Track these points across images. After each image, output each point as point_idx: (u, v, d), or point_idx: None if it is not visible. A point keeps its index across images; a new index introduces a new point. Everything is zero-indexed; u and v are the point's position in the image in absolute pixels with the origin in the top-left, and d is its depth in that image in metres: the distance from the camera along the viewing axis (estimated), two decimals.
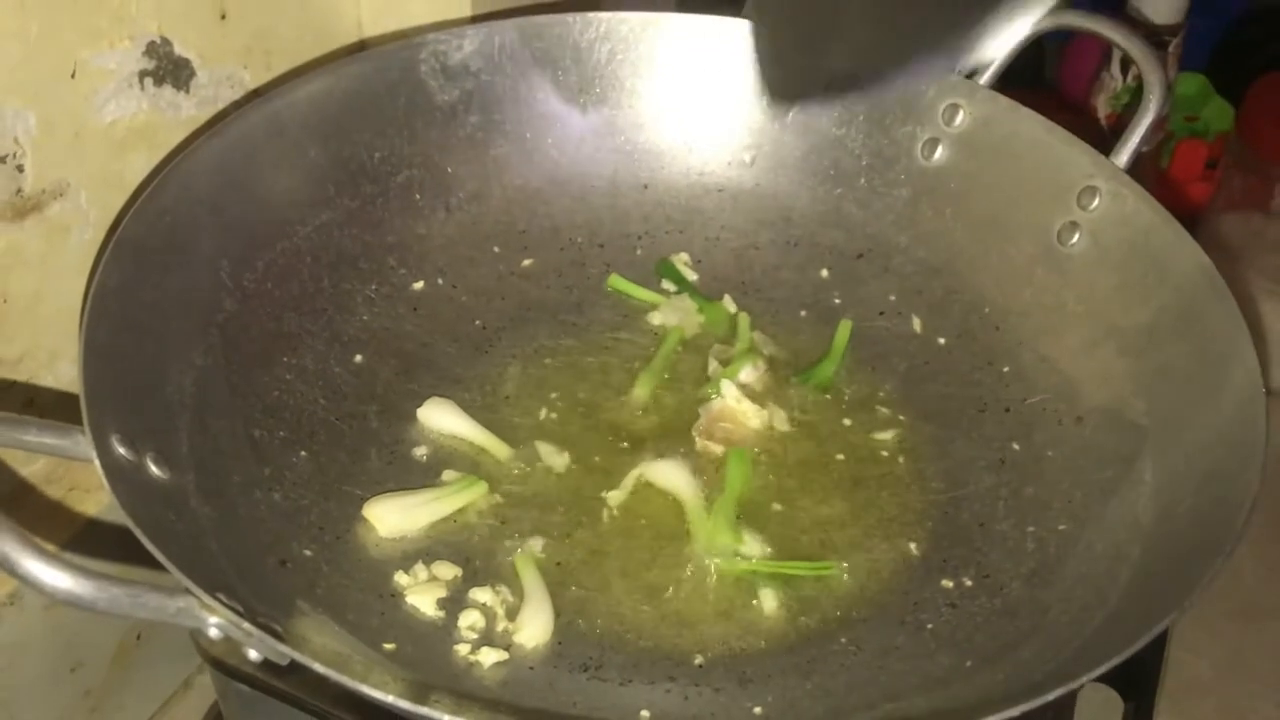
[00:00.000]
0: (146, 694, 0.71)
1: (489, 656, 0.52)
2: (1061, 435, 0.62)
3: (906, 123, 0.71)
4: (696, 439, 0.63)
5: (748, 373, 0.65)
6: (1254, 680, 0.77)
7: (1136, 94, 0.67)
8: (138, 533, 0.45)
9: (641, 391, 0.65)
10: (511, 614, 0.55)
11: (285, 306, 0.64)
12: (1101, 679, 0.47)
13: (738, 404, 0.63)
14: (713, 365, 0.66)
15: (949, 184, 0.71)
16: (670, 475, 0.60)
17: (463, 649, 0.53)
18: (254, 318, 0.63)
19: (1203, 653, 0.78)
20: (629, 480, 0.61)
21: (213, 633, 0.45)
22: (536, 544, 0.58)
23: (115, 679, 0.68)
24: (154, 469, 0.51)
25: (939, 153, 0.71)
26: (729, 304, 0.70)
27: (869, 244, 0.72)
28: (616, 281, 0.71)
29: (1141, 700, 0.59)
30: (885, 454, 0.63)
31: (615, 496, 0.60)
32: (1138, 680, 0.59)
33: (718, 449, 0.62)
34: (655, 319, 0.70)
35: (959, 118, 0.70)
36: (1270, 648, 0.78)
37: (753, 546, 0.58)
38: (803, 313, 0.70)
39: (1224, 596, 0.79)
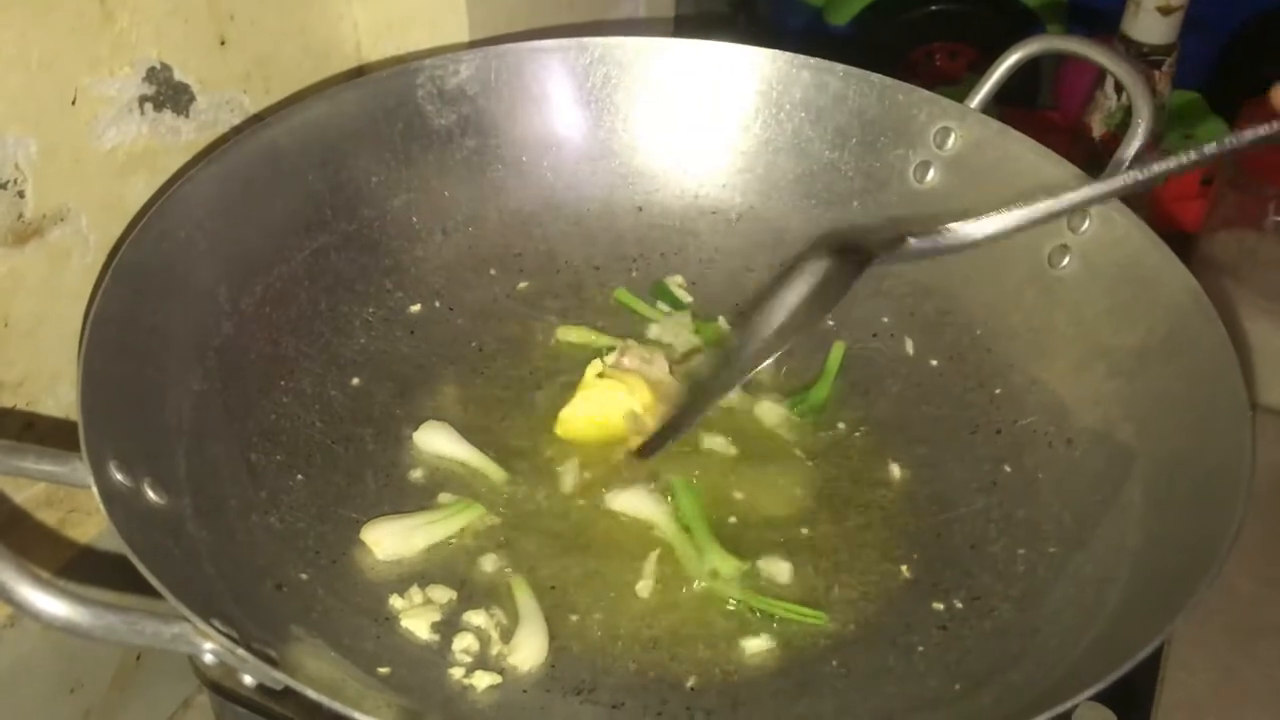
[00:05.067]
0: (146, 714, 0.71)
1: (483, 680, 0.53)
2: (1052, 457, 0.63)
3: (898, 146, 0.72)
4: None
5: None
6: (1250, 698, 0.77)
7: (1130, 113, 0.67)
8: (134, 558, 0.45)
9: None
10: (505, 637, 0.55)
11: (283, 330, 0.65)
12: (1097, 697, 0.47)
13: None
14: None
15: (940, 206, 0.71)
16: (637, 505, 0.61)
17: (457, 672, 0.53)
18: (251, 342, 0.63)
19: (1198, 670, 0.78)
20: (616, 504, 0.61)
21: (208, 658, 0.45)
22: (532, 567, 0.58)
23: (115, 700, 0.68)
24: (151, 494, 0.51)
25: (931, 175, 0.72)
26: (723, 325, 0.71)
27: None
28: (623, 295, 0.72)
29: (1138, 718, 0.59)
30: (877, 476, 0.64)
31: (611, 520, 0.60)
32: (1134, 698, 0.59)
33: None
34: (651, 335, 0.70)
35: (950, 141, 0.71)
36: (1266, 665, 0.78)
37: (745, 569, 0.58)
38: None
39: (1220, 613, 0.79)
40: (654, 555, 0.59)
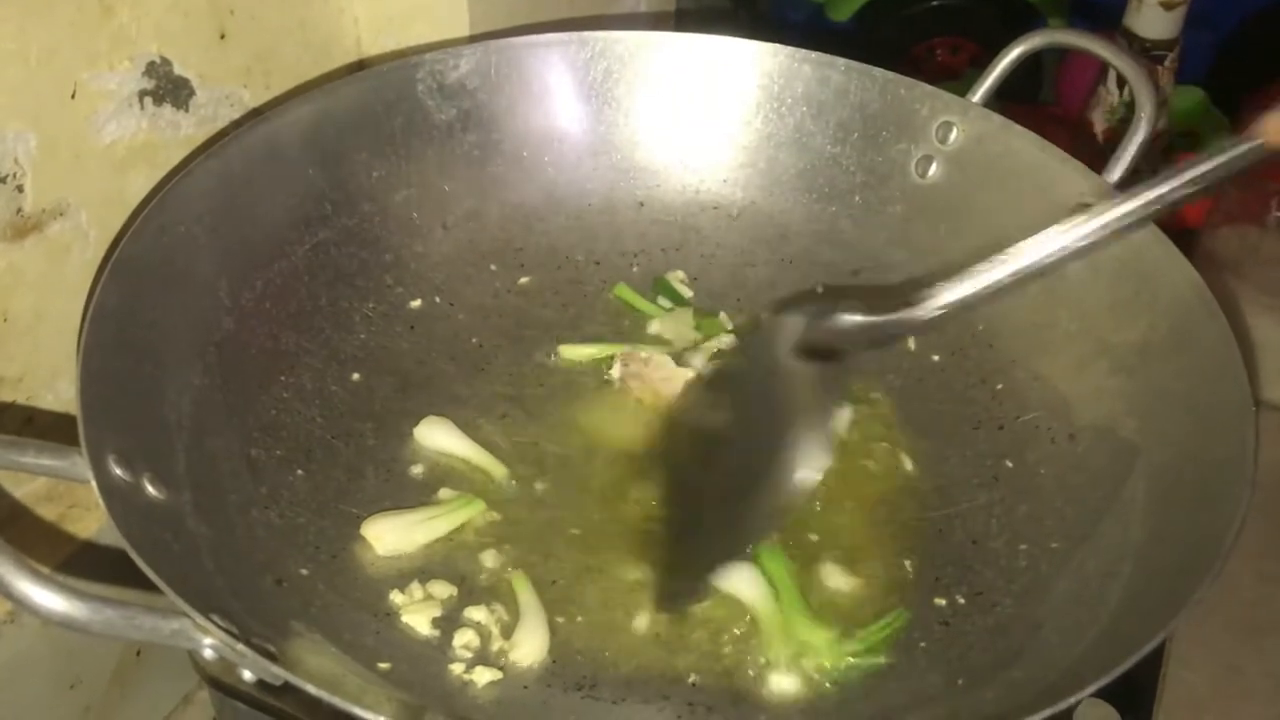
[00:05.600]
0: (146, 710, 0.71)
1: (483, 675, 0.53)
2: (1054, 453, 0.63)
3: (900, 140, 0.72)
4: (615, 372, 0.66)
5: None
6: (1251, 695, 0.77)
7: (1132, 108, 0.67)
8: (133, 554, 0.45)
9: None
10: (506, 632, 0.55)
11: (283, 325, 0.65)
12: (1099, 694, 0.47)
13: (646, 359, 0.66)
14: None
15: (943, 201, 0.71)
16: (740, 586, 0.57)
17: (457, 668, 0.53)
18: (252, 337, 0.63)
19: (1200, 668, 0.78)
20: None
21: (207, 653, 0.45)
22: (532, 562, 0.58)
23: (115, 695, 0.68)
24: (150, 489, 0.51)
25: (933, 170, 0.71)
26: (725, 321, 0.71)
27: (864, 261, 0.72)
28: (622, 291, 0.72)
29: (1139, 716, 0.59)
30: (879, 471, 0.63)
31: (611, 516, 0.60)
32: (1135, 696, 0.59)
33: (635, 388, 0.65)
34: (651, 330, 0.70)
35: (953, 135, 0.71)
36: (1268, 663, 0.78)
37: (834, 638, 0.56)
38: None
39: (1222, 610, 0.79)
40: None
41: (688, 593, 0.56)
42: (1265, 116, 0.49)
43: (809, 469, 0.51)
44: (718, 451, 0.59)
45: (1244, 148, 0.49)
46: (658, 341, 0.69)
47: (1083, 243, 0.52)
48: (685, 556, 0.57)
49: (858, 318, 0.56)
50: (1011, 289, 0.67)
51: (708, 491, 0.58)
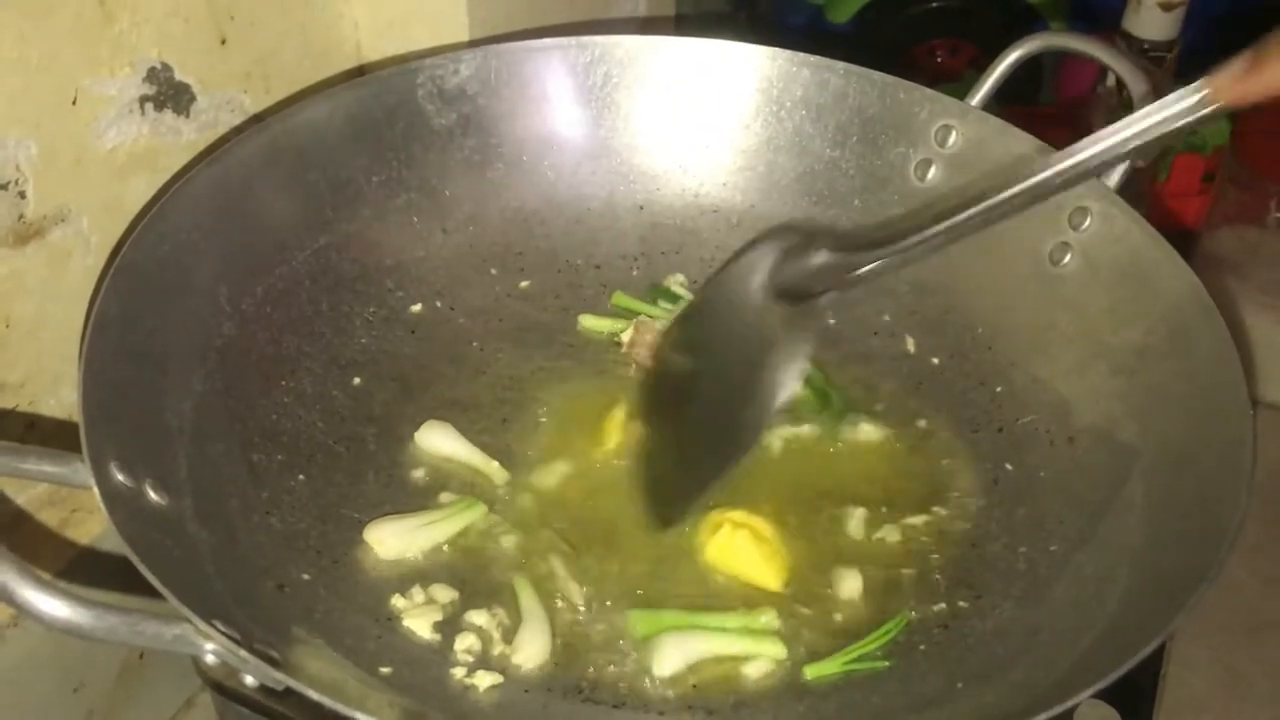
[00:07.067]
0: (150, 713, 0.71)
1: (484, 679, 0.53)
2: (1053, 456, 0.63)
3: (899, 144, 0.72)
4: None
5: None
6: (1251, 695, 0.77)
7: (1131, 110, 0.67)
8: (135, 560, 0.45)
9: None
10: (507, 636, 0.55)
11: (284, 330, 0.65)
12: (1100, 695, 0.47)
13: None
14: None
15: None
16: (688, 652, 0.56)
17: (459, 672, 0.53)
18: (253, 342, 0.63)
19: (1201, 667, 0.78)
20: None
21: (209, 659, 0.45)
22: (534, 565, 0.58)
23: (118, 698, 0.69)
24: (152, 495, 0.51)
25: (932, 173, 0.71)
26: None
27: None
28: (621, 299, 0.72)
29: (1139, 716, 0.59)
30: (879, 475, 0.63)
31: (609, 519, 0.60)
32: (1135, 697, 0.59)
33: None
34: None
35: (951, 139, 0.71)
36: (1267, 662, 0.79)
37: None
38: None
39: (1221, 610, 0.80)
40: (659, 552, 0.59)
41: (677, 513, 0.59)
42: (1213, 74, 0.46)
43: (783, 397, 0.56)
44: (697, 387, 0.62)
45: (1186, 103, 0.47)
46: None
47: (1033, 193, 0.53)
48: (672, 482, 0.60)
49: (826, 258, 0.57)
50: (1013, 290, 0.68)
51: (689, 424, 0.61)
